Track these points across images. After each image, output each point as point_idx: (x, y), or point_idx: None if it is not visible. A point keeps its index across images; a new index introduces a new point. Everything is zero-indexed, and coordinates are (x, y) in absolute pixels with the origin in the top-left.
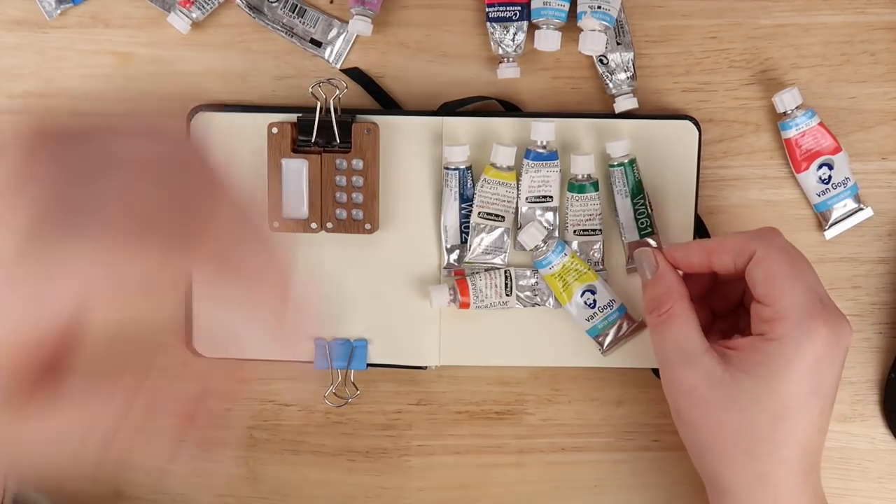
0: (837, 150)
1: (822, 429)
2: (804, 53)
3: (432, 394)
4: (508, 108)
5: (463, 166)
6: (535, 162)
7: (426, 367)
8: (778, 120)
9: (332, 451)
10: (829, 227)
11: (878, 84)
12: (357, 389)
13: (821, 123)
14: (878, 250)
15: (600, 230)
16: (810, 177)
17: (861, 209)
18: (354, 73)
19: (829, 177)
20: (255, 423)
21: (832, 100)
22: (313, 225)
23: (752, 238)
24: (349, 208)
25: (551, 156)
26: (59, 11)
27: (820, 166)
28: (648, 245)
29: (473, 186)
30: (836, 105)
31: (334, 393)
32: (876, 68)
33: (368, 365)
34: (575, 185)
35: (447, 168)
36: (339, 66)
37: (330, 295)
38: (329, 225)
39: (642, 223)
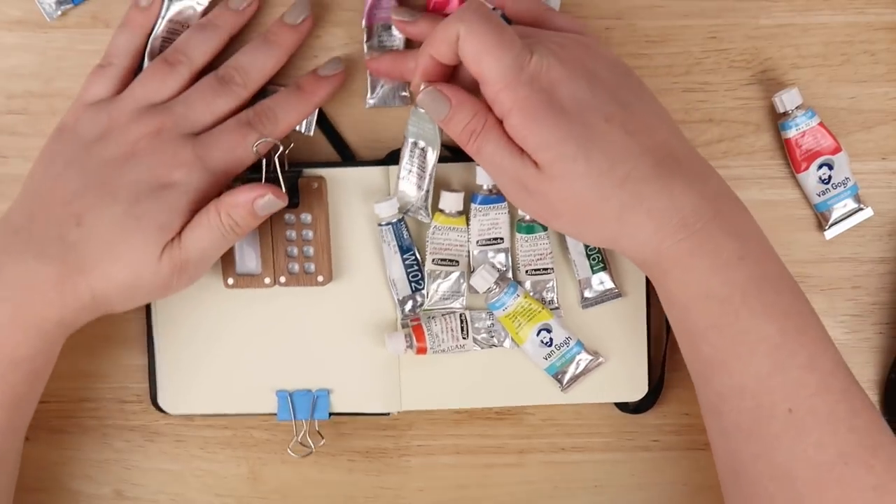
0: (837, 150)
1: (650, 117)
2: (804, 53)
3: None
4: (455, 152)
5: (395, 220)
6: (482, 206)
7: (388, 414)
8: (778, 120)
9: (332, 451)
10: (830, 227)
11: (878, 84)
12: (322, 438)
13: (821, 123)
14: (878, 250)
15: (552, 269)
16: (810, 177)
17: (861, 209)
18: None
19: (830, 177)
20: (255, 423)
21: (832, 100)
22: (267, 280)
23: (452, 19)
24: (301, 262)
25: (498, 198)
26: (59, 12)
27: (820, 166)
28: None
29: (410, 236)
30: (836, 105)
31: (299, 443)
32: (876, 68)
33: (331, 414)
34: (523, 227)
35: (380, 224)
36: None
37: (289, 347)
38: (282, 279)
39: (594, 258)
